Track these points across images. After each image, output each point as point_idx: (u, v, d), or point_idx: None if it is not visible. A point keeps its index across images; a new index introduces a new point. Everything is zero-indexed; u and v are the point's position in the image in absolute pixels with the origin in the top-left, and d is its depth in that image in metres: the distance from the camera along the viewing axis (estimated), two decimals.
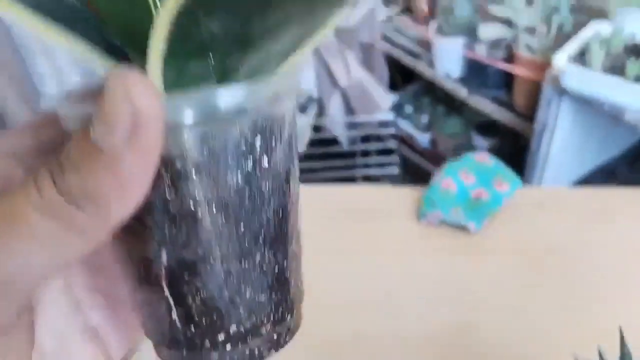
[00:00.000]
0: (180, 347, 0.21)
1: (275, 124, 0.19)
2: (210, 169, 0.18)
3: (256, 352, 0.22)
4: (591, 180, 1.06)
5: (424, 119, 1.43)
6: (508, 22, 0.98)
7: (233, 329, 0.21)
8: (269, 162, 0.19)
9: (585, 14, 0.95)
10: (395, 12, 1.39)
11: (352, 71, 1.29)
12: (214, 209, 0.18)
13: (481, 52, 1.02)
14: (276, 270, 0.21)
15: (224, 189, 0.18)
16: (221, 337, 0.21)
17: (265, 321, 0.21)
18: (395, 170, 1.36)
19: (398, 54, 1.27)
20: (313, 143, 1.32)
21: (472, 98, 1.09)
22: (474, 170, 0.56)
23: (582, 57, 0.81)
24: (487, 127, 1.22)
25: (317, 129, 1.32)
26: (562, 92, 0.83)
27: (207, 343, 0.21)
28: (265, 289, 0.21)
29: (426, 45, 1.20)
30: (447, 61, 1.10)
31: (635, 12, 0.83)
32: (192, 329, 0.21)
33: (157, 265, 0.20)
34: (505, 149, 1.18)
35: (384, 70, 1.32)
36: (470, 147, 1.27)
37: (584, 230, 0.53)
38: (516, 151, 1.09)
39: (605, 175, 1.08)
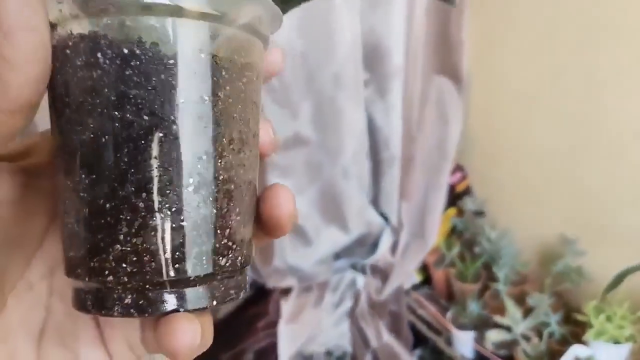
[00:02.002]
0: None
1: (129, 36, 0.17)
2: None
3: (82, 294, 0.17)
4: None
5: None
6: (509, 329, 1.23)
7: (71, 252, 0.17)
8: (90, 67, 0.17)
9: (571, 325, 1.20)
10: (418, 280, 1.67)
11: (382, 335, 1.54)
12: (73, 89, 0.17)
13: (489, 347, 1.26)
14: (88, 198, 0.16)
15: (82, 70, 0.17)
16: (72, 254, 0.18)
17: (82, 257, 0.17)
18: None
19: (420, 326, 1.52)
20: None
21: None
22: None
23: None
24: None
25: None
26: None
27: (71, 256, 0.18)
28: (74, 212, 0.16)
29: (444, 325, 1.45)
30: (461, 346, 1.34)
31: (605, 344, 1.07)
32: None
33: None
34: None
35: (409, 335, 1.56)
36: None
37: None
38: None
39: None
